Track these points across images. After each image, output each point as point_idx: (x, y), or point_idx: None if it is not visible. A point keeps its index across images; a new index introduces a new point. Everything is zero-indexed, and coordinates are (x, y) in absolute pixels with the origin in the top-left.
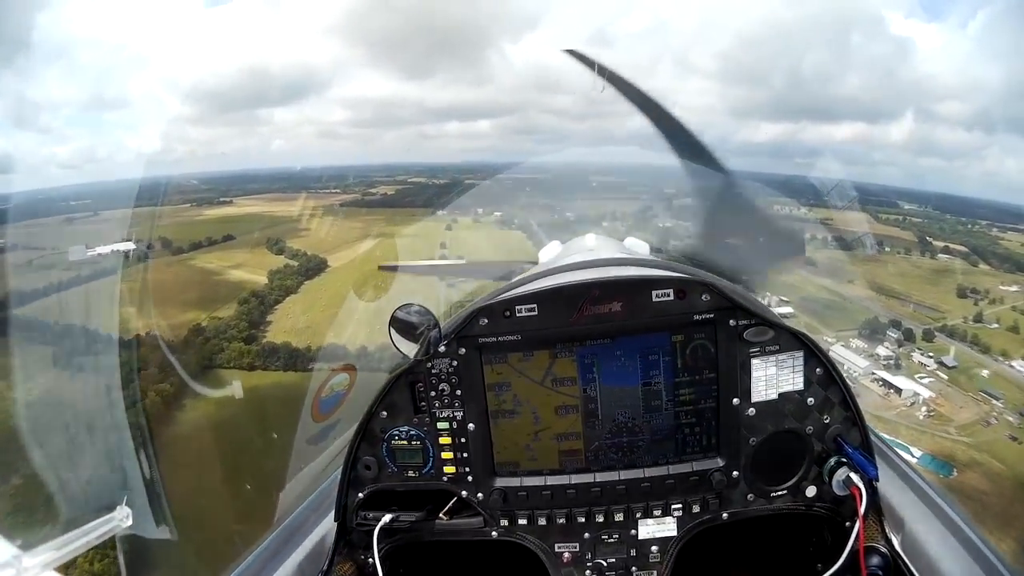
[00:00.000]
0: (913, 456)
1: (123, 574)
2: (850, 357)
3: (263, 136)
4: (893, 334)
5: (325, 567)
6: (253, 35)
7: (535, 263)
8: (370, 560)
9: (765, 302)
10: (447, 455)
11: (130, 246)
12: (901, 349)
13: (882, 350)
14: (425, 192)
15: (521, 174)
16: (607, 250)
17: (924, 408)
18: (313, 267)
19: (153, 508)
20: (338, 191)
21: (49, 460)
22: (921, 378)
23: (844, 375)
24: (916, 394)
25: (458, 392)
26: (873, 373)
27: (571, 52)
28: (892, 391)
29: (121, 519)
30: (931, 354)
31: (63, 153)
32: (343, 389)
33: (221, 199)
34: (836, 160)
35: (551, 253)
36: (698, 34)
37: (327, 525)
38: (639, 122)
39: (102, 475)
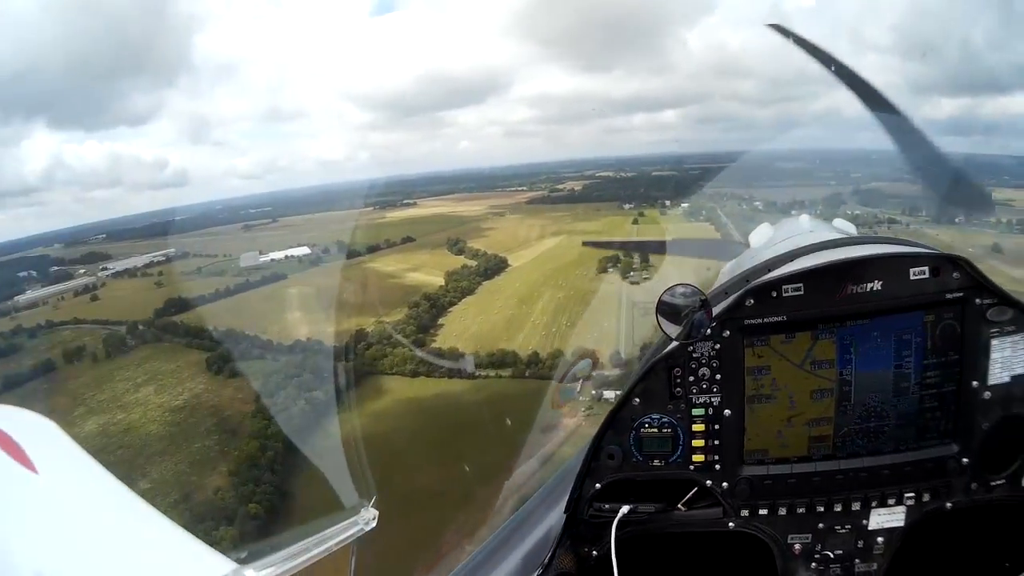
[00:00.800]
0: None
1: (351, 572)
2: None
3: (449, 138)
4: None
5: (547, 559)
6: (424, 40)
7: (744, 245)
8: (594, 553)
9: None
10: (698, 443)
11: (305, 251)
12: None
13: None
14: (612, 186)
15: (707, 163)
16: (824, 231)
17: None
18: (492, 267)
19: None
20: (524, 188)
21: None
22: None
23: None
24: None
25: (718, 377)
26: None
27: (775, 27)
28: None
29: (366, 522)
30: None
31: (243, 165)
32: (584, 375)
33: (405, 201)
34: (1016, 136)
35: (763, 235)
36: (871, 7)
37: (555, 516)
38: (822, 105)
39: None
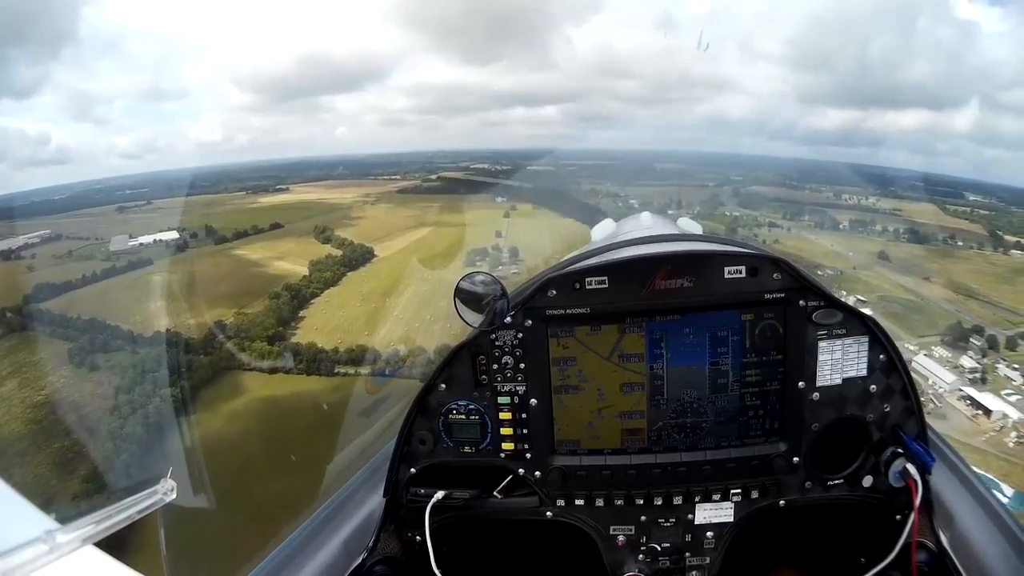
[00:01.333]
0: (1005, 495)
1: (163, 547)
2: (935, 370)
3: (326, 124)
4: (976, 341)
5: (371, 543)
6: (307, 22)
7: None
8: (417, 537)
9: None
10: (506, 431)
11: (173, 235)
12: (985, 360)
13: (967, 360)
14: (486, 177)
15: (585, 160)
16: (663, 229)
17: (1014, 433)
18: (358, 257)
19: (194, 481)
20: (397, 177)
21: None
22: (1008, 395)
23: (907, 362)
24: (1005, 416)
25: (522, 365)
26: (960, 390)
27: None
28: (980, 412)
29: (165, 492)
30: (1016, 365)
31: (123, 143)
32: (399, 361)
33: (278, 187)
34: (901, 149)
35: (605, 231)
36: (764, 17)
37: (375, 501)
38: (706, 108)
39: (144, 450)
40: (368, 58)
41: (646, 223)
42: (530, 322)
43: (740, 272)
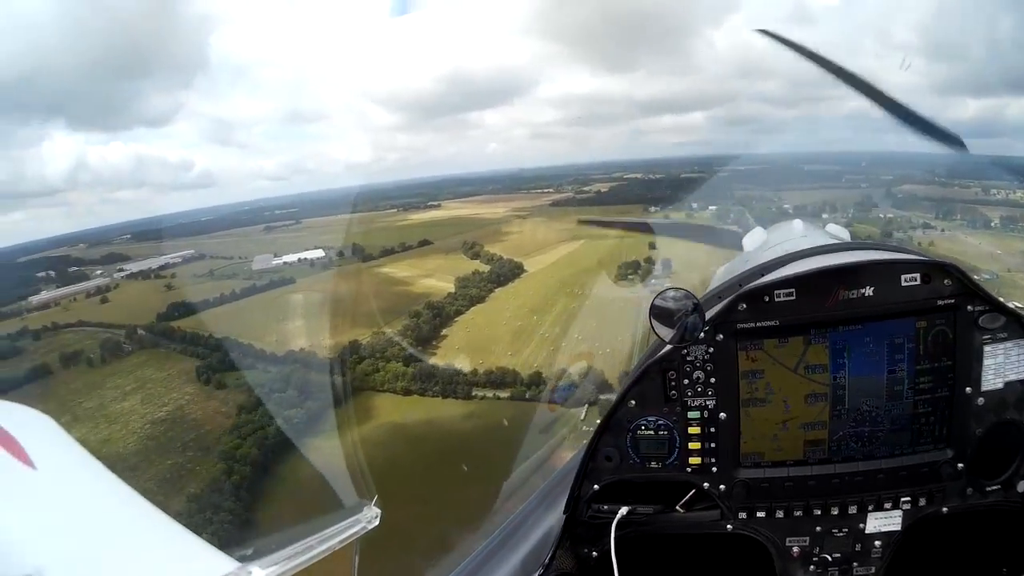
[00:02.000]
0: None
1: (355, 572)
2: None
3: (476, 140)
4: None
5: (547, 560)
6: (444, 39)
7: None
8: (594, 553)
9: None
10: (694, 445)
11: (319, 254)
12: None
13: None
14: (640, 188)
15: (736, 166)
16: (816, 236)
17: None
18: (506, 272)
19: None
20: (551, 190)
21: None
22: None
23: None
24: None
25: (712, 380)
26: None
27: (765, 32)
28: None
29: (369, 520)
30: None
31: (269, 166)
32: (579, 377)
33: (429, 203)
34: None
35: (756, 240)
36: (897, 6)
37: (554, 518)
38: (850, 106)
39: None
40: (511, 71)
41: (799, 231)
42: (721, 336)
43: (915, 279)
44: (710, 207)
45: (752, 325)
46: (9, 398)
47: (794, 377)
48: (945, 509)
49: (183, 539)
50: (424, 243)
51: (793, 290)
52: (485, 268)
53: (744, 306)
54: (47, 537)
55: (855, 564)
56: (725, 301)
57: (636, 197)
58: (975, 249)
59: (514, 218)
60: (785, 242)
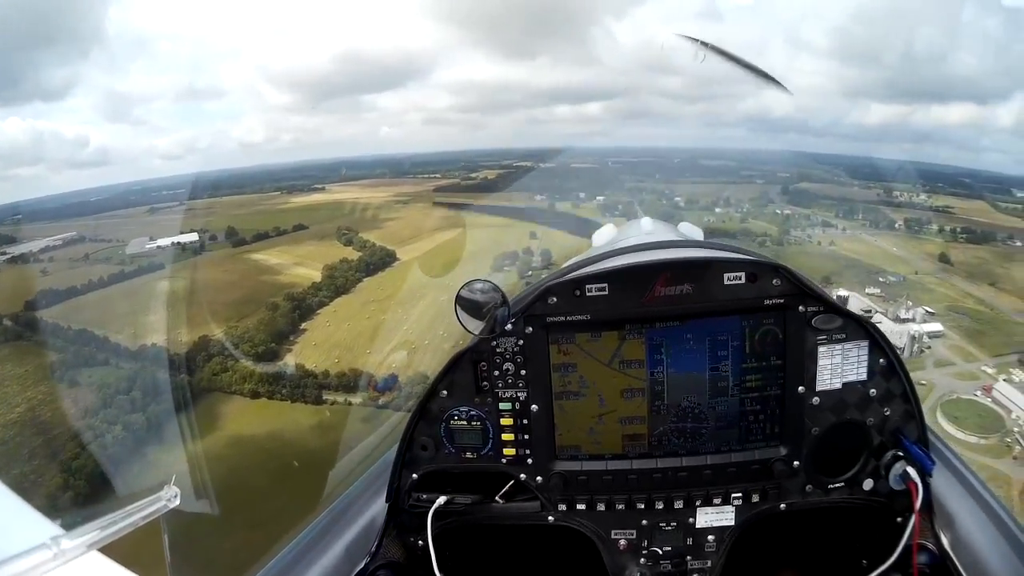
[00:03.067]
0: None
1: (167, 553)
2: (1020, 400)
3: (370, 123)
4: None
5: (373, 548)
6: (338, 18)
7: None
8: (420, 543)
9: (909, 313)
10: (508, 437)
11: (192, 237)
12: None
13: None
14: (529, 177)
15: (629, 157)
16: (664, 233)
17: None
18: (377, 261)
19: (197, 488)
20: (438, 177)
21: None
22: None
23: (906, 366)
24: None
25: (523, 372)
26: None
27: (686, 37)
28: None
29: (169, 499)
30: None
31: (163, 145)
32: (401, 366)
33: (314, 186)
34: (945, 145)
35: (606, 236)
36: (810, 7)
37: (378, 506)
38: (751, 105)
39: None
40: (407, 54)
41: (646, 228)
42: (531, 329)
43: (740, 279)
44: (598, 197)
45: (562, 319)
46: None
47: (608, 371)
48: (783, 506)
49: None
50: (299, 227)
51: (605, 284)
52: (355, 256)
53: (555, 299)
54: None
55: (689, 557)
56: (532, 293)
57: (523, 185)
58: (880, 250)
59: (395, 203)
60: (630, 238)
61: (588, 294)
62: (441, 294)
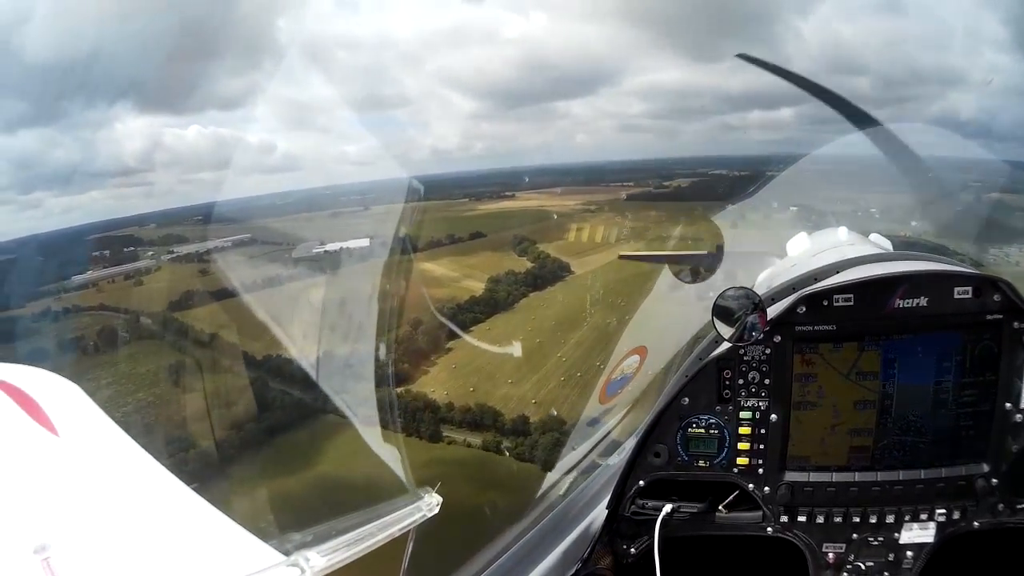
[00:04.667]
0: None
1: (406, 559)
2: None
3: (563, 131)
4: None
5: (585, 555)
6: (520, 24)
7: (782, 256)
8: (632, 551)
9: None
10: (743, 446)
11: (363, 243)
12: None
13: None
14: (722, 185)
15: (821, 164)
16: (861, 244)
17: None
18: (547, 274)
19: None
20: (631, 185)
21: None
22: None
23: None
24: None
25: (766, 381)
26: None
27: (744, 57)
28: None
29: (429, 508)
30: None
31: (353, 151)
32: (632, 372)
33: (504, 193)
34: None
35: (800, 245)
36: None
37: (597, 512)
38: (936, 108)
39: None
40: (594, 58)
41: (844, 238)
42: (779, 338)
43: (967, 292)
44: (791, 208)
45: (810, 328)
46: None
47: (845, 382)
48: (977, 524)
49: (218, 522)
50: (476, 235)
51: (852, 295)
52: (521, 268)
53: (803, 309)
54: (67, 505)
55: (886, 574)
56: (787, 301)
57: (717, 194)
58: None
59: (583, 212)
60: (832, 249)
61: (835, 304)
62: (607, 316)
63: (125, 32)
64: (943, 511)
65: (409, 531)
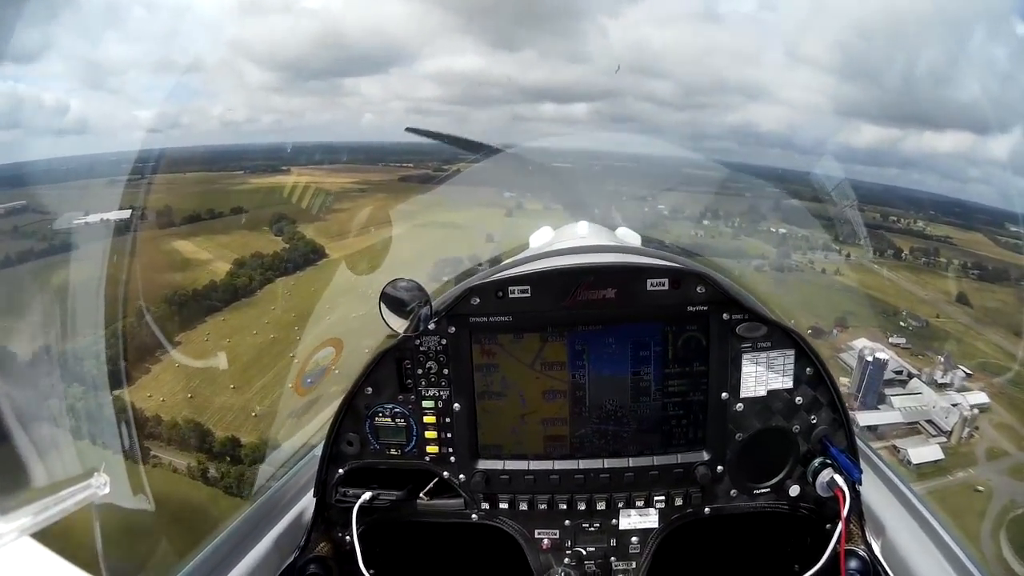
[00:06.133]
0: None
1: (98, 544)
2: None
3: (353, 109)
4: None
5: (302, 543)
6: None
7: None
8: (347, 538)
9: (947, 376)
10: (431, 435)
11: (125, 215)
12: None
13: None
14: (501, 171)
15: (611, 161)
16: (600, 238)
17: None
18: (298, 258)
19: (131, 478)
20: (411, 166)
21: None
22: None
23: (833, 376)
24: None
25: (445, 371)
26: None
27: (412, 130)
28: None
29: (99, 486)
30: None
31: (145, 117)
32: (327, 363)
33: (281, 168)
34: (932, 173)
35: (542, 238)
36: (813, 18)
37: (306, 501)
38: (738, 117)
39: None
40: (390, 38)
41: (582, 232)
42: (454, 329)
43: (663, 285)
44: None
45: (485, 319)
46: None
47: (530, 372)
48: (708, 510)
49: None
50: (237, 211)
51: (528, 287)
52: (269, 250)
53: (478, 300)
54: None
55: (613, 559)
56: (455, 293)
57: (495, 181)
58: (891, 284)
59: (354, 192)
60: (564, 241)
61: (511, 296)
62: (356, 306)
63: None
64: (661, 498)
65: (92, 511)
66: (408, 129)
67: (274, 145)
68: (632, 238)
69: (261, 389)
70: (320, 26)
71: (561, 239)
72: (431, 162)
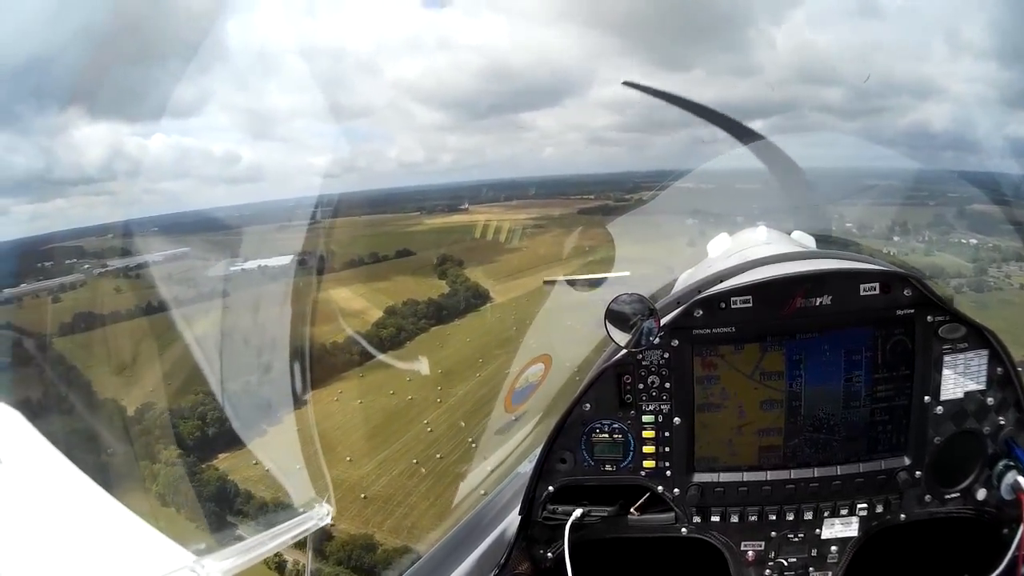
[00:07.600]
0: None
1: (308, 569)
2: None
3: (530, 143)
4: None
5: (502, 560)
6: (483, 33)
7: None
8: (549, 555)
9: None
10: (648, 449)
11: (283, 262)
12: None
13: None
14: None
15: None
16: (780, 243)
17: None
18: (454, 305)
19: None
20: (592, 198)
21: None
22: None
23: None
24: None
25: (667, 385)
26: None
27: (629, 84)
28: None
29: (321, 517)
30: None
31: (319, 163)
32: (536, 380)
33: (459, 207)
34: None
35: (720, 245)
36: (972, 4)
37: (510, 520)
38: (910, 120)
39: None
40: (558, 68)
41: (762, 237)
42: (677, 342)
43: (874, 289)
44: (759, 222)
45: (708, 331)
46: None
47: (749, 383)
48: (904, 516)
49: (143, 532)
50: (403, 253)
51: (750, 297)
52: (423, 298)
53: (700, 312)
54: (8, 530)
55: (811, 569)
56: (681, 307)
57: (677, 207)
58: None
59: (531, 227)
60: (748, 248)
61: (732, 307)
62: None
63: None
64: (864, 505)
65: (307, 539)
66: (625, 83)
67: (452, 184)
68: (809, 242)
69: (377, 467)
70: (483, 61)
71: (741, 245)
72: (612, 192)
